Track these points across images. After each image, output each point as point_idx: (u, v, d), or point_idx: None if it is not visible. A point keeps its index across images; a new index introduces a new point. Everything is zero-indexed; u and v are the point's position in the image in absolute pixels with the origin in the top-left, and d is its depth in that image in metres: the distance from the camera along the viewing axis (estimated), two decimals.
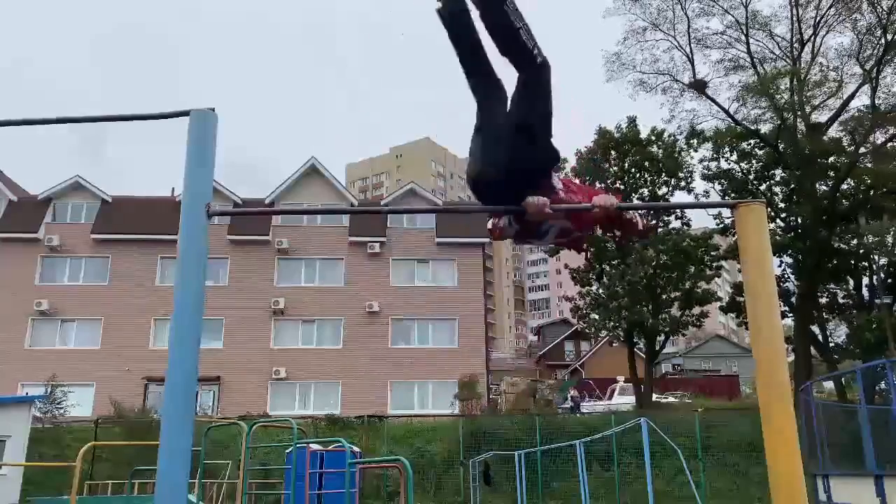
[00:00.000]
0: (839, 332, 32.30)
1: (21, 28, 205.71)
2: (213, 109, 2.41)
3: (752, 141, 30.70)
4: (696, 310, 31.50)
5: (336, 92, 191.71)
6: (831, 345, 31.01)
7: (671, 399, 36.23)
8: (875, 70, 28.30)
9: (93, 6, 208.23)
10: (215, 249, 30.50)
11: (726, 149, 31.32)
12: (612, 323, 30.94)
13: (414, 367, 32.40)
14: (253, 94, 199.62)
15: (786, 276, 30.65)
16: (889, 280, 29.34)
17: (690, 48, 30.57)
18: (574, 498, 16.12)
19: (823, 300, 31.29)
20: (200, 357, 2.26)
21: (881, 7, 27.70)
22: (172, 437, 2.14)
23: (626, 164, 31.82)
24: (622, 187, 31.75)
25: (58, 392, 25.19)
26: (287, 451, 11.92)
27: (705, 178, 31.77)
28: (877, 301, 28.90)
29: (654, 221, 29.85)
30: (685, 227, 32.11)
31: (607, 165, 32.10)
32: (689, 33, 30.36)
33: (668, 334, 32.59)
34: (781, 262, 30.11)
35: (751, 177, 31.23)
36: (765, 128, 30.47)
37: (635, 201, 31.96)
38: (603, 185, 30.70)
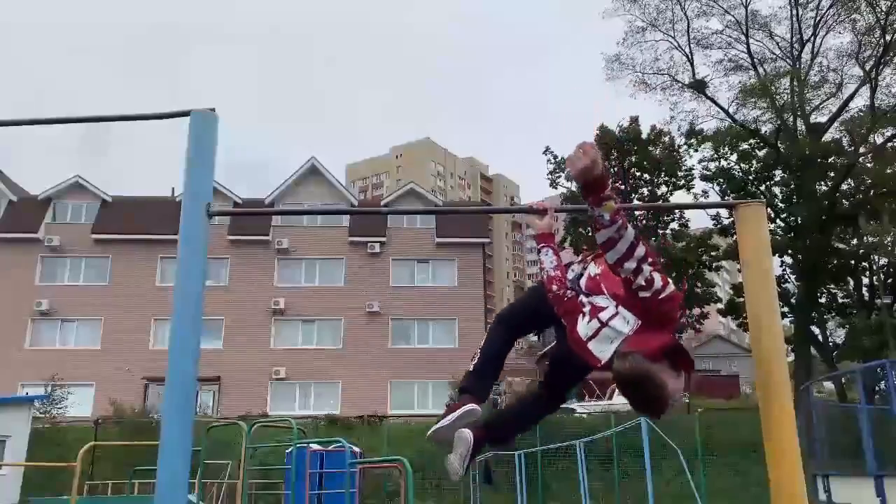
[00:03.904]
0: (839, 333, 32.31)
1: (20, 27, 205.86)
2: (214, 109, 2.41)
3: (752, 141, 30.71)
4: (696, 311, 31.52)
5: (336, 92, 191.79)
6: (831, 345, 31.00)
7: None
8: (874, 70, 28.31)
9: (93, 6, 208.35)
10: (215, 249, 30.49)
11: (726, 149, 31.33)
12: None
13: (414, 367, 32.39)
14: (253, 94, 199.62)
15: (786, 276, 30.64)
16: (889, 280, 29.33)
17: (690, 49, 30.61)
18: (574, 498, 16.11)
19: (823, 300, 31.28)
20: (200, 357, 2.26)
21: (880, 8, 27.72)
22: (172, 437, 2.14)
23: (626, 165, 31.85)
24: (623, 187, 31.77)
25: (58, 392, 25.19)
26: (287, 451, 11.90)
27: (705, 178, 31.79)
28: (877, 301, 28.89)
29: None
30: (684, 228, 32.13)
31: (607, 165, 32.11)
32: (688, 33, 30.42)
33: None
34: (781, 262, 30.12)
35: (750, 177, 31.24)
36: (765, 128, 30.49)
37: (635, 201, 32.01)
38: None
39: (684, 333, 33.85)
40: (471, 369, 2.92)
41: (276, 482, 14.95)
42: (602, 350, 2.38)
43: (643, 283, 2.21)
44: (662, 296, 2.23)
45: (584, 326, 2.44)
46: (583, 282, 2.62)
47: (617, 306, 2.39)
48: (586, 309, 2.47)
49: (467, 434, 2.81)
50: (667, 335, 2.27)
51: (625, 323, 2.34)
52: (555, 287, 2.57)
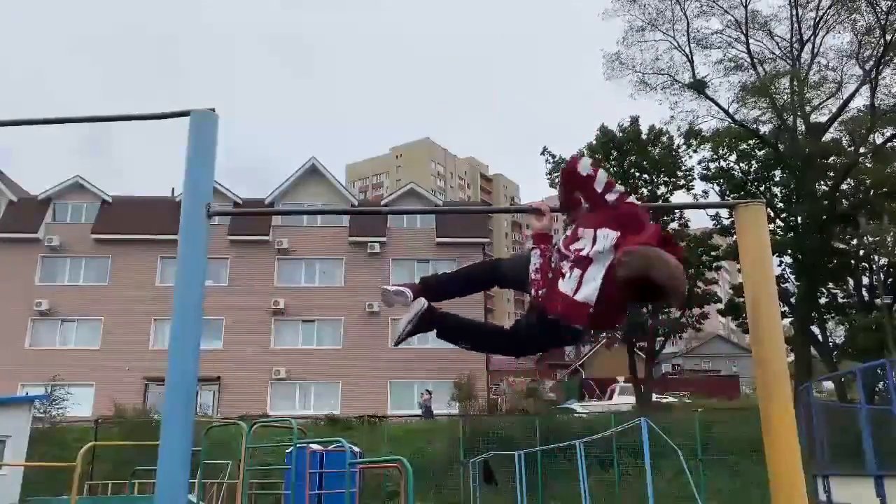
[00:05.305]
0: (839, 332, 32.30)
1: (21, 28, 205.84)
2: (214, 110, 2.41)
3: (751, 141, 30.69)
4: (696, 311, 31.46)
5: (336, 92, 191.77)
6: (831, 344, 30.99)
7: (671, 399, 36.21)
8: (874, 70, 28.31)
9: (93, 6, 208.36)
10: (215, 249, 30.48)
11: (725, 149, 31.31)
12: None
13: (414, 367, 32.36)
14: (253, 94, 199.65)
15: (786, 276, 30.62)
16: (889, 280, 29.31)
17: (690, 49, 30.61)
18: (574, 498, 16.11)
19: (823, 300, 31.26)
20: (200, 357, 2.26)
21: (880, 8, 27.73)
22: (172, 437, 2.14)
23: (626, 165, 31.83)
24: (623, 187, 31.74)
25: (58, 392, 25.16)
26: (287, 451, 11.90)
27: (704, 178, 31.76)
28: (877, 301, 28.87)
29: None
30: (684, 228, 32.08)
31: (607, 165, 32.08)
32: (688, 33, 30.42)
33: (668, 335, 32.60)
34: (781, 262, 30.09)
35: (750, 177, 31.22)
36: (764, 128, 30.48)
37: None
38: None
39: (685, 333, 33.85)
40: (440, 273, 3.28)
41: (276, 482, 14.93)
42: (589, 292, 2.47)
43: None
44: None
45: (566, 284, 2.53)
46: (562, 241, 2.70)
47: (595, 230, 2.51)
48: (565, 269, 2.55)
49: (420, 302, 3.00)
50: (648, 231, 2.44)
51: (604, 239, 2.47)
52: (533, 291, 2.64)
